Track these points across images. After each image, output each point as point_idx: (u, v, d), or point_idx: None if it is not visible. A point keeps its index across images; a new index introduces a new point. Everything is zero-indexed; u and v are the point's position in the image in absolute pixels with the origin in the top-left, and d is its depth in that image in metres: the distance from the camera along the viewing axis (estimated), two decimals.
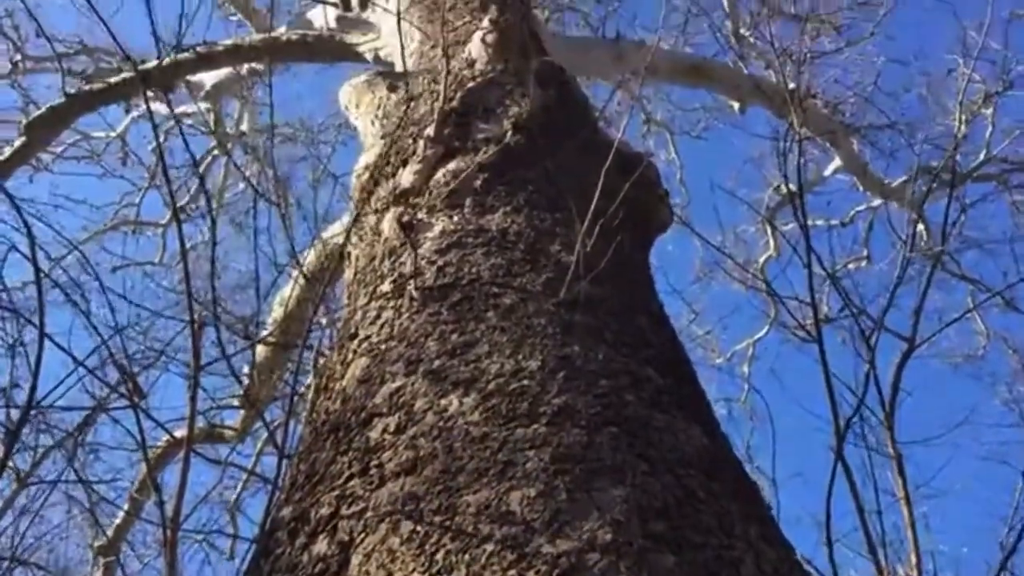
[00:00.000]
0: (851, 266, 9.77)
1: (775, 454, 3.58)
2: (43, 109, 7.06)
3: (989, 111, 8.56)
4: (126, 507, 6.49)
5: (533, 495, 1.75)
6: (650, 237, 3.49)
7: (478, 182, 3.09)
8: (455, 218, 2.92)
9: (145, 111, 6.88)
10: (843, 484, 3.08)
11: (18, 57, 8.86)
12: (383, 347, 2.41)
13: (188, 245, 3.25)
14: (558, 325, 2.34)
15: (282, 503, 2.15)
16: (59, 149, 9.24)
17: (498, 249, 2.71)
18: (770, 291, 7.55)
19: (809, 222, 4.13)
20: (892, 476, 3.62)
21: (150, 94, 4.62)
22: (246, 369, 5.61)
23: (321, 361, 3.04)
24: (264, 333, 5.79)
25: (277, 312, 5.98)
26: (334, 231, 5.29)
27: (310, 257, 4.90)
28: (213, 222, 3.92)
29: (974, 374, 9.63)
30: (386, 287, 2.71)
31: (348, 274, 3.29)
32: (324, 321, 3.72)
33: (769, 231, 10.03)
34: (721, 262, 9.26)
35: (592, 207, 2.68)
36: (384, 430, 2.07)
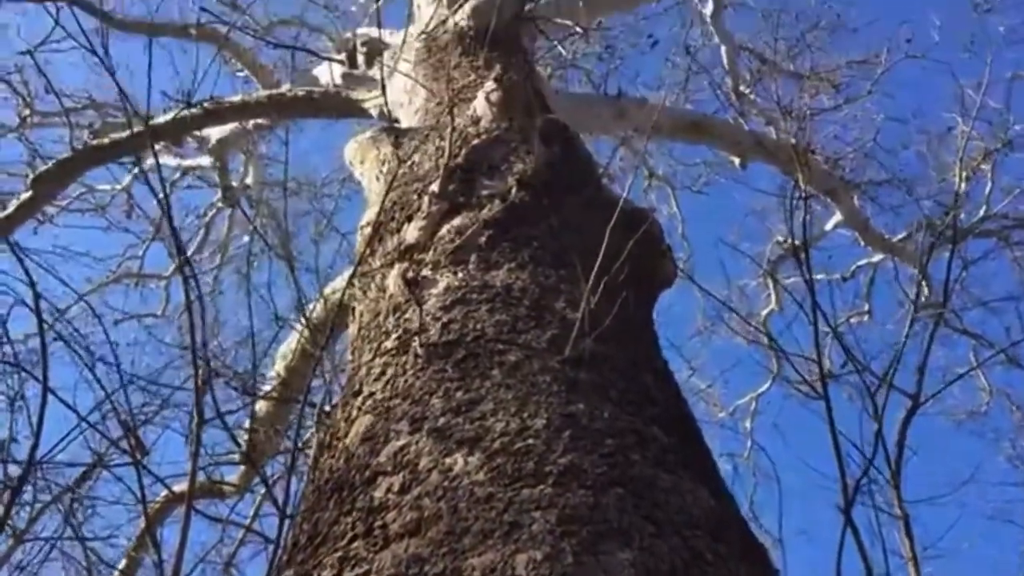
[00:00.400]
0: (853, 320, 9.78)
1: (781, 511, 3.54)
2: (50, 164, 7.12)
3: (988, 168, 8.63)
4: (123, 565, 6.38)
5: (539, 558, 1.72)
6: (654, 293, 3.49)
7: (483, 238, 3.09)
8: (460, 274, 2.92)
9: (150, 164, 6.93)
10: (849, 544, 3.03)
11: (27, 112, 8.98)
12: (387, 404, 2.40)
13: (192, 298, 3.24)
14: (563, 383, 2.32)
15: (284, 565, 2.12)
16: (64, 202, 9.30)
17: (503, 306, 2.70)
18: (773, 346, 7.53)
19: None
20: (899, 536, 3.56)
21: (157, 147, 4.66)
22: (247, 423, 5.57)
23: (323, 417, 3.02)
24: (266, 388, 5.76)
25: (279, 366, 5.96)
26: (336, 286, 5.29)
27: (314, 311, 4.90)
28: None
29: (977, 431, 9.58)
30: (391, 344, 2.70)
31: (352, 330, 3.28)
32: (326, 376, 3.71)
33: (771, 285, 10.04)
34: (724, 316, 9.26)
35: (597, 264, 2.68)
36: (388, 489, 2.04)
